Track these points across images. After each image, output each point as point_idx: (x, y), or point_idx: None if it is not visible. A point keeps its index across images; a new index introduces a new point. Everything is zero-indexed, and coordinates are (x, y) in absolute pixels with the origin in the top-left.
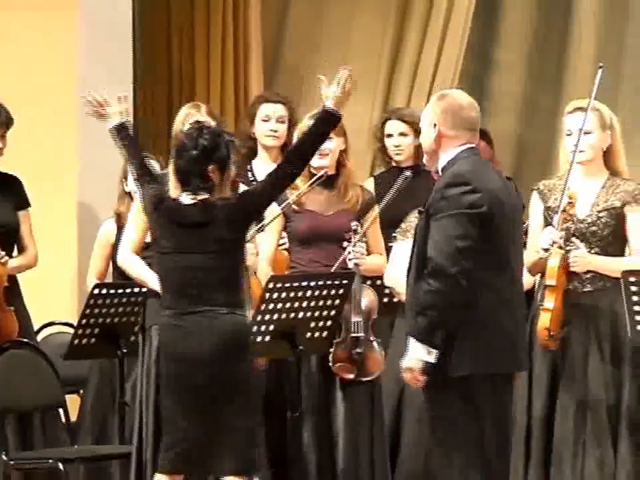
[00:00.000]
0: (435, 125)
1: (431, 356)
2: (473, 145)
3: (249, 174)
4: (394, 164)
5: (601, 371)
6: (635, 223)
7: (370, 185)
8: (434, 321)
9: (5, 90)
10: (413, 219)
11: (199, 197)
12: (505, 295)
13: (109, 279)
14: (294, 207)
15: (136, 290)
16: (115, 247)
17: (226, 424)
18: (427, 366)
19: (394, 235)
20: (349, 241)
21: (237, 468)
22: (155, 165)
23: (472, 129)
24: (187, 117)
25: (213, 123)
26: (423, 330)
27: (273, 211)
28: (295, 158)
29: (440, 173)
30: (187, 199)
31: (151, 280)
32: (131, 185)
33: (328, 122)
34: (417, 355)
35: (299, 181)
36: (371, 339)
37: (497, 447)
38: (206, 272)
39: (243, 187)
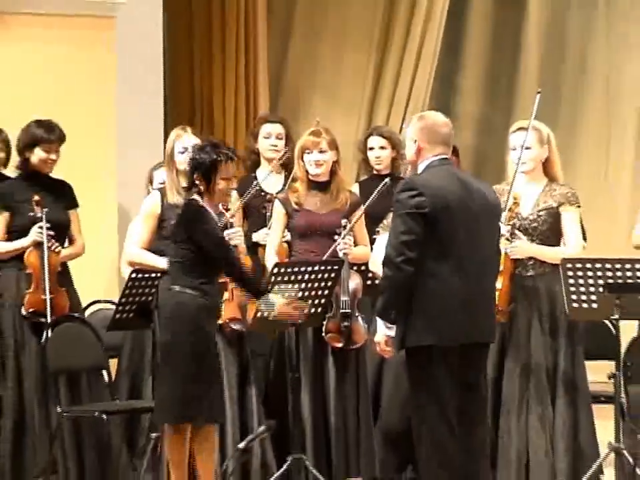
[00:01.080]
0: (415, 140)
1: (391, 330)
2: (445, 156)
3: (254, 180)
4: (375, 172)
5: (541, 340)
6: (568, 220)
7: (355, 189)
8: (387, 301)
9: (51, 105)
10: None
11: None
12: (449, 279)
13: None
14: (295, 206)
15: (159, 274)
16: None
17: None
18: (393, 338)
19: (377, 229)
20: (339, 234)
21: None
22: None
23: (444, 143)
24: (176, 137)
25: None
26: (380, 309)
27: (276, 209)
28: (230, 274)
29: None
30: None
31: (162, 264)
32: (157, 188)
33: (250, 289)
34: (381, 330)
35: (298, 184)
36: (357, 314)
37: (459, 406)
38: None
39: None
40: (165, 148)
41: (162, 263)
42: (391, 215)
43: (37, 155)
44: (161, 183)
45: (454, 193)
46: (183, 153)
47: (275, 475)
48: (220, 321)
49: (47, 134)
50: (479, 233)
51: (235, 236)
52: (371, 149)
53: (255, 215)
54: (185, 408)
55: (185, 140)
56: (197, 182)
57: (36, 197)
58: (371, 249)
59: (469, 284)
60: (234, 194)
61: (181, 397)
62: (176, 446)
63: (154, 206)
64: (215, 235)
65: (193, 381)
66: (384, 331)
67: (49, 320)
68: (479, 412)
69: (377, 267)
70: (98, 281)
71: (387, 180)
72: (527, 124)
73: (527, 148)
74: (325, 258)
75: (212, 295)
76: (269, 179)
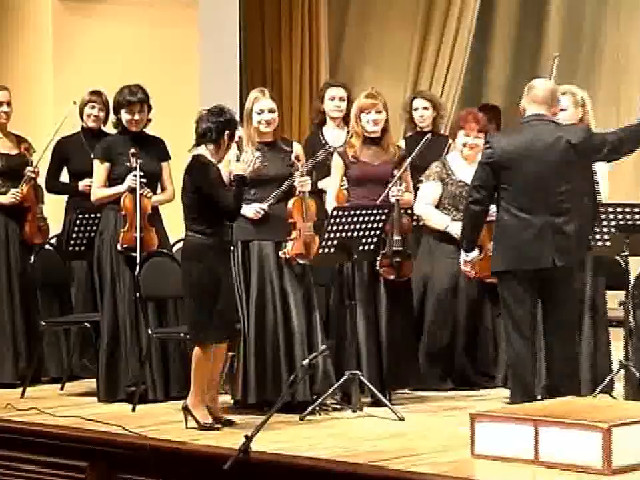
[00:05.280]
0: (521, 102)
1: (468, 256)
2: (537, 113)
3: (321, 138)
4: (418, 129)
5: None
6: (598, 175)
7: (402, 144)
8: (461, 233)
9: (145, 78)
10: (433, 167)
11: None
12: (520, 214)
13: None
14: (351, 158)
15: None
16: None
17: None
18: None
19: (420, 178)
20: (390, 183)
21: None
22: None
23: (537, 102)
24: (255, 99)
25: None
26: (460, 239)
27: (335, 161)
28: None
29: None
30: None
31: (245, 209)
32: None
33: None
34: (462, 256)
35: (354, 140)
36: (407, 251)
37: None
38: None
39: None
40: (240, 112)
41: (247, 210)
42: (432, 166)
43: (124, 116)
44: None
45: (524, 143)
46: (259, 113)
47: (335, 386)
48: (287, 256)
49: (129, 96)
50: (548, 174)
51: (305, 183)
52: (416, 109)
53: (321, 165)
54: (198, 332)
55: (262, 102)
56: (225, 137)
57: (132, 150)
58: (415, 195)
59: (537, 217)
60: (297, 146)
61: (195, 323)
62: (198, 360)
63: (232, 157)
64: (217, 185)
65: (208, 308)
66: (463, 257)
67: (138, 255)
68: (559, 326)
69: (420, 210)
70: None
71: (428, 136)
72: (565, 89)
73: (562, 110)
74: (378, 202)
75: (218, 236)
76: (333, 134)
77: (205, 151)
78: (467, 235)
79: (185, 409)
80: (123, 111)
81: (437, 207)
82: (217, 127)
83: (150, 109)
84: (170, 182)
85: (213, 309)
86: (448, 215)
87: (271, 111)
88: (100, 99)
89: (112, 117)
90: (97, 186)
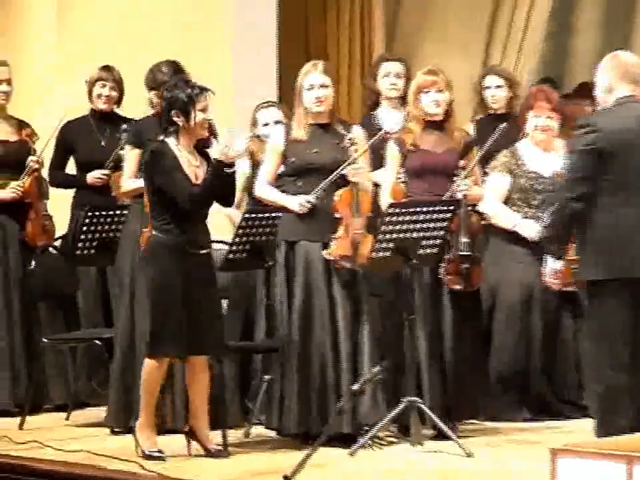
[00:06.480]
0: (605, 77)
1: (557, 264)
2: (631, 93)
3: (374, 122)
4: (490, 112)
5: None
6: None
7: (470, 128)
8: (552, 236)
9: (177, 50)
10: (501, 157)
11: None
12: (621, 214)
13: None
14: (409, 146)
15: (274, 214)
16: (249, 180)
17: None
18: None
19: (485, 170)
20: (456, 175)
21: None
22: None
23: (630, 81)
24: (305, 73)
25: None
26: (547, 243)
27: (390, 150)
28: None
29: None
30: None
31: (288, 202)
32: (261, 130)
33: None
34: (549, 264)
35: (413, 124)
36: (477, 256)
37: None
38: None
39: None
40: (279, 95)
41: (290, 202)
42: (500, 155)
43: (155, 99)
44: (265, 125)
45: (632, 125)
46: (309, 89)
47: (391, 415)
48: (331, 257)
49: (166, 77)
50: None
51: (357, 173)
52: (487, 88)
53: (375, 154)
54: (154, 343)
55: (312, 76)
56: (176, 118)
57: None
58: None
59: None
60: (357, 129)
61: (151, 332)
62: (144, 374)
63: (277, 142)
64: (170, 173)
65: (160, 316)
66: (551, 265)
67: None
68: None
69: (485, 207)
70: (212, 223)
71: (504, 125)
72: None
73: None
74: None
75: (178, 234)
76: (388, 117)
77: (169, 137)
78: (562, 238)
79: (133, 433)
80: (153, 93)
81: (505, 202)
82: (164, 108)
83: None
84: None
85: (166, 318)
86: (517, 211)
87: (322, 86)
88: (111, 76)
89: (147, 94)
90: (127, 176)
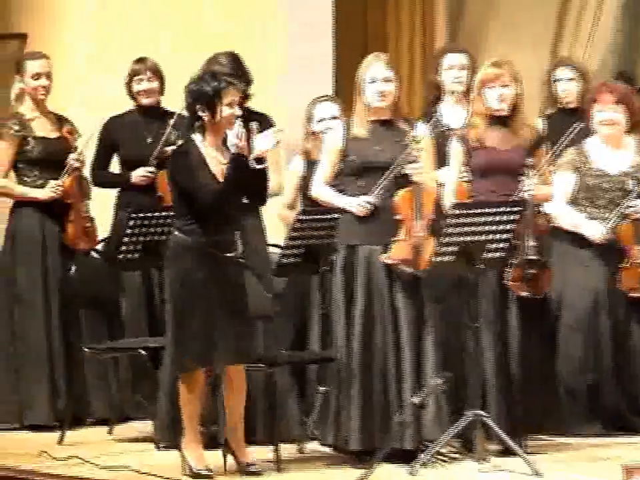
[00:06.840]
0: None
1: None
2: None
3: (437, 117)
4: (560, 106)
5: None
6: None
7: (539, 123)
8: None
9: (227, 44)
10: (567, 155)
11: None
12: None
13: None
14: (474, 143)
15: (329, 216)
16: (304, 179)
17: None
18: None
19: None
20: (523, 174)
21: None
22: None
23: None
24: (366, 66)
25: None
26: None
27: (454, 148)
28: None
29: None
30: None
31: (347, 203)
32: (317, 126)
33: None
34: None
35: (477, 120)
36: (545, 260)
37: None
38: None
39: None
40: (335, 88)
41: (350, 203)
42: (567, 153)
43: None
44: (320, 120)
45: None
46: (371, 83)
47: (454, 430)
48: (390, 261)
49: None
50: None
51: (416, 171)
52: (558, 80)
53: (437, 152)
54: (174, 356)
55: (374, 69)
56: (201, 113)
57: (254, 125)
58: None
59: None
60: (421, 126)
61: (171, 344)
62: (181, 393)
63: (336, 140)
64: (193, 173)
65: (179, 325)
66: None
67: None
68: None
69: (552, 208)
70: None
71: (580, 125)
72: None
73: None
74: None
75: (202, 235)
76: (451, 113)
77: (196, 134)
78: None
79: (180, 451)
80: None
81: (571, 203)
82: (189, 102)
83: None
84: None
85: (186, 327)
86: (581, 211)
87: (385, 80)
88: (145, 67)
89: None
90: None
